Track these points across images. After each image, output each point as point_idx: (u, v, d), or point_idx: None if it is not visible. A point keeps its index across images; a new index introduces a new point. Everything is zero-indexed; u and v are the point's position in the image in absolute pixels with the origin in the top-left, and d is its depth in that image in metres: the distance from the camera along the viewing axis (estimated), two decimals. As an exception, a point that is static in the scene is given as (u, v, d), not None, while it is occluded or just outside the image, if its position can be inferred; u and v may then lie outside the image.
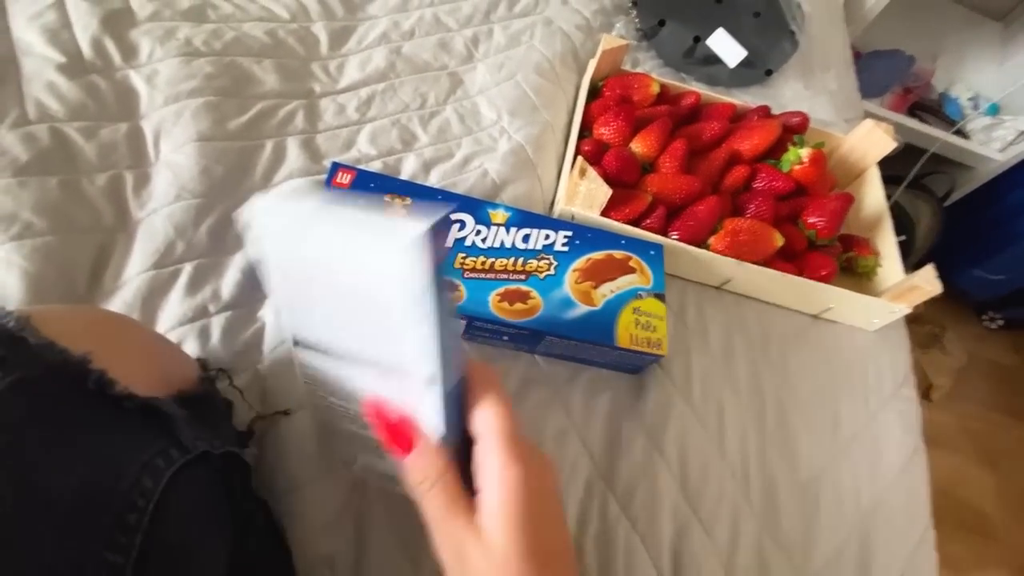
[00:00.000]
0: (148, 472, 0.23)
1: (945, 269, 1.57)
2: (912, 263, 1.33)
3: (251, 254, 0.20)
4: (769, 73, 0.71)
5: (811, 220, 0.55)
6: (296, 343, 0.26)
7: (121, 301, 0.39)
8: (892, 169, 1.22)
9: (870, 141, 0.63)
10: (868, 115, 1.17)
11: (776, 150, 0.60)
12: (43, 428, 0.22)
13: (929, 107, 1.27)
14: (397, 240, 0.19)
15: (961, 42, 1.34)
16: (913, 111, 1.28)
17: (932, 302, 1.69)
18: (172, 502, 0.23)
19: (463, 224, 0.45)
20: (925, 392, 1.31)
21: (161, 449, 0.24)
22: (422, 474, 0.24)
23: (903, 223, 1.26)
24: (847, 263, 0.58)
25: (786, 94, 0.73)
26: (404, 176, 0.52)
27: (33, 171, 0.41)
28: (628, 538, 0.41)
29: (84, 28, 0.50)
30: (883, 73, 1.21)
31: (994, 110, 1.29)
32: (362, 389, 0.26)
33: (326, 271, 0.22)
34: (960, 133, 1.26)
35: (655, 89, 0.60)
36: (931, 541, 0.50)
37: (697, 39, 0.69)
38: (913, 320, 1.41)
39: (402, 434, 0.25)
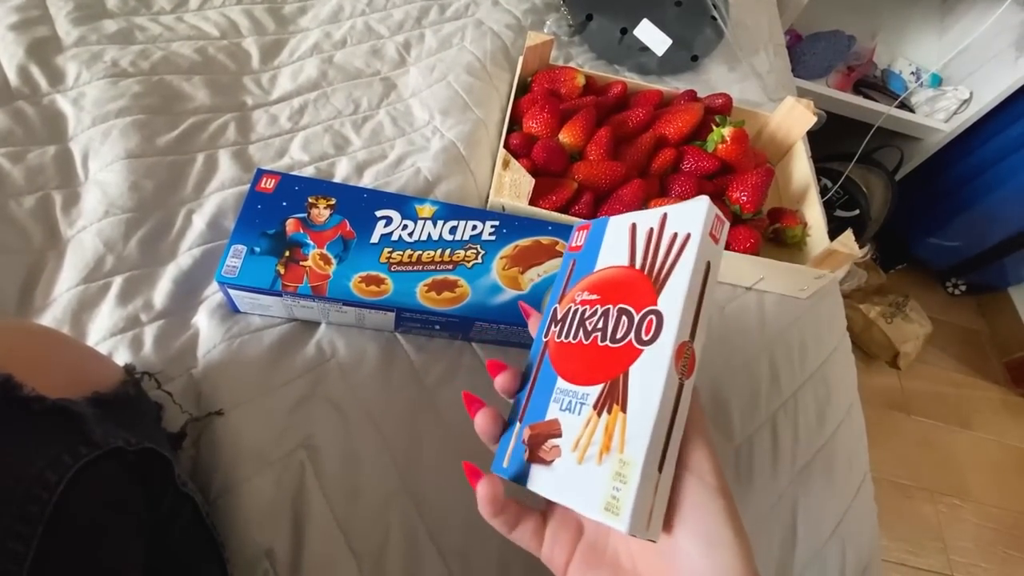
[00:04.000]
0: (52, 467, 0.24)
1: (903, 240, 1.59)
2: (868, 236, 1.36)
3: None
4: (695, 59, 0.73)
5: (735, 195, 0.57)
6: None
7: (51, 317, 0.40)
8: (844, 146, 1.25)
9: (793, 117, 0.65)
10: (812, 95, 1.21)
11: (702, 132, 0.62)
12: None
13: (873, 83, 1.31)
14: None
15: (900, 19, 1.38)
16: (858, 88, 1.31)
17: (895, 273, 1.71)
18: (78, 495, 0.24)
19: (389, 220, 0.46)
20: (893, 360, 1.34)
21: (68, 446, 0.25)
22: None
23: (856, 198, 1.29)
24: (775, 234, 0.61)
25: (715, 78, 0.75)
26: (337, 179, 0.54)
27: (-41, 197, 0.42)
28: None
29: (10, 57, 0.51)
30: (825, 54, 1.25)
31: (936, 81, 1.33)
32: None
33: None
34: (905, 107, 1.30)
35: (580, 81, 0.62)
36: (869, 492, 0.52)
37: (624, 30, 0.71)
38: (876, 291, 1.44)
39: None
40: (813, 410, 0.53)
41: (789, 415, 0.51)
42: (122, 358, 0.40)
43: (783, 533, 0.46)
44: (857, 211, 1.29)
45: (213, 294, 0.45)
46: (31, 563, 0.22)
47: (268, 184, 0.45)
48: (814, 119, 0.64)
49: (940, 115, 1.29)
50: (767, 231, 0.60)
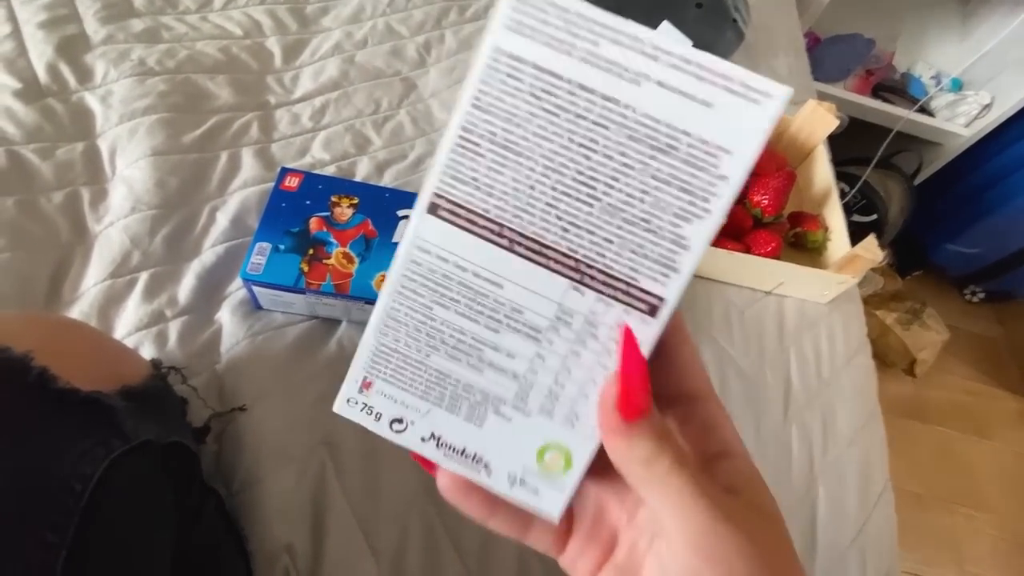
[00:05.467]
0: (86, 459, 0.24)
1: (921, 246, 1.57)
2: (886, 241, 1.34)
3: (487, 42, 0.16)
4: (716, 61, 0.73)
5: (756, 199, 0.57)
6: (434, 208, 0.17)
7: (79, 311, 0.41)
8: (862, 150, 1.24)
9: (815, 120, 0.64)
10: (831, 98, 1.20)
11: (722, 134, 0.61)
12: None
13: (893, 87, 1.29)
14: (752, 94, 0.15)
15: (920, 22, 1.37)
16: (877, 92, 1.30)
17: (912, 279, 1.69)
18: (111, 487, 0.25)
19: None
20: (909, 368, 1.32)
21: (101, 438, 0.26)
22: (659, 445, 0.16)
23: (874, 202, 1.28)
24: (796, 239, 0.60)
25: (735, 81, 0.75)
26: (358, 178, 0.54)
27: (-10, 192, 0.43)
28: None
29: (40, 55, 0.52)
30: (844, 57, 1.24)
31: (957, 86, 1.31)
32: (519, 304, 0.18)
33: (586, 109, 0.16)
34: (925, 111, 1.28)
35: (601, 82, 0.62)
36: (890, 502, 0.51)
37: (644, 32, 0.70)
38: (893, 297, 1.43)
39: (641, 385, 0.17)
40: (832, 417, 0.52)
41: (808, 421, 0.51)
42: (147, 353, 0.41)
43: (802, 542, 0.46)
44: (875, 216, 1.27)
45: (236, 290, 0.45)
46: (66, 553, 0.22)
47: (292, 183, 0.45)
48: (836, 123, 0.63)
49: (960, 120, 1.27)
50: (788, 235, 0.60)
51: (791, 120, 0.67)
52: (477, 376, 0.19)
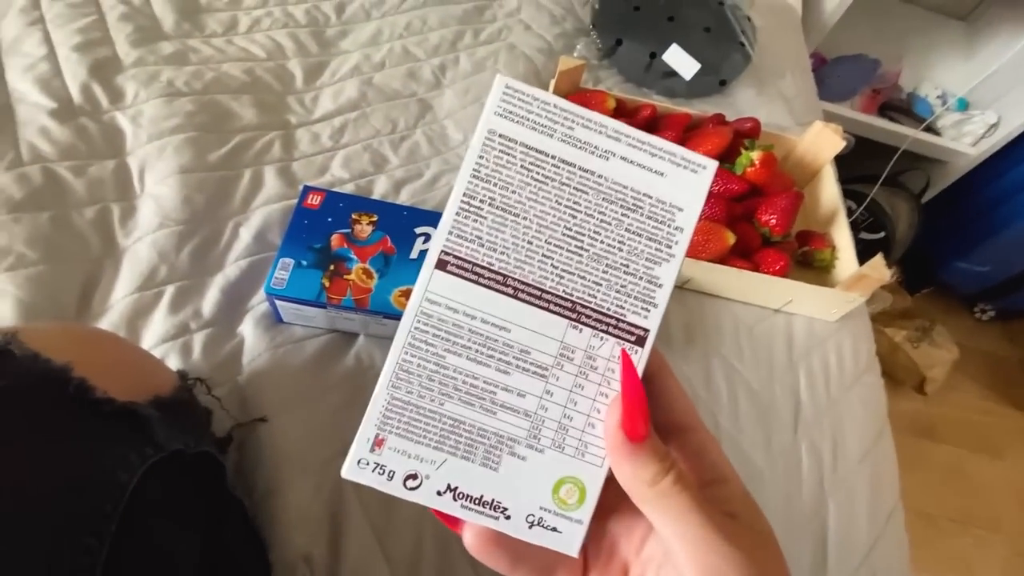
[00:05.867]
0: (123, 467, 0.26)
1: (930, 264, 1.57)
2: (894, 259, 1.35)
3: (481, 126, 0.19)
4: (723, 83, 0.74)
5: (764, 218, 0.58)
6: (443, 264, 0.19)
7: (108, 322, 0.43)
8: (869, 168, 1.25)
9: (821, 141, 0.66)
10: (838, 118, 1.21)
11: (730, 155, 0.63)
12: (26, 431, 0.24)
13: (899, 107, 1.31)
14: (691, 166, 0.20)
15: (925, 43, 1.39)
16: (883, 111, 1.31)
17: (922, 296, 1.67)
18: (145, 494, 0.26)
19: (428, 236, 0.48)
20: (919, 386, 1.31)
21: (136, 447, 0.27)
22: (662, 465, 0.18)
23: (882, 221, 1.28)
24: (804, 257, 0.61)
25: (742, 102, 0.76)
26: (376, 196, 0.56)
27: (26, 208, 0.45)
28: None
29: (74, 76, 0.55)
30: (850, 77, 1.25)
31: (963, 105, 1.32)
32: (526, 345, 0.19)
33: (568, 178, 0.19)
34: (932, 130, 1.29)
35: (611, 104, 0.64)
36: (901, 521, 0.51)
37: (653, 55, 0.72)
38: (902, 315, 1.43)
39: (640, 406, 0.18)
40: (842, 434, 0.52)
41: (818, 439, 0.51)
42: (173, 364, 0.42)
43: (813, 560, 0.46)
44: (882, 233, 1.28)
45: (258, 304, 0.46)
46: (105, 559, 0.23)
47: (314, 200, 0.47)
48: (842, 143, 0.64)
49: (967, 139, 1.28)
50: (796, 254, 0.61)
51: (798, 141, 0.68)
52: (491, 419, 0.19)
